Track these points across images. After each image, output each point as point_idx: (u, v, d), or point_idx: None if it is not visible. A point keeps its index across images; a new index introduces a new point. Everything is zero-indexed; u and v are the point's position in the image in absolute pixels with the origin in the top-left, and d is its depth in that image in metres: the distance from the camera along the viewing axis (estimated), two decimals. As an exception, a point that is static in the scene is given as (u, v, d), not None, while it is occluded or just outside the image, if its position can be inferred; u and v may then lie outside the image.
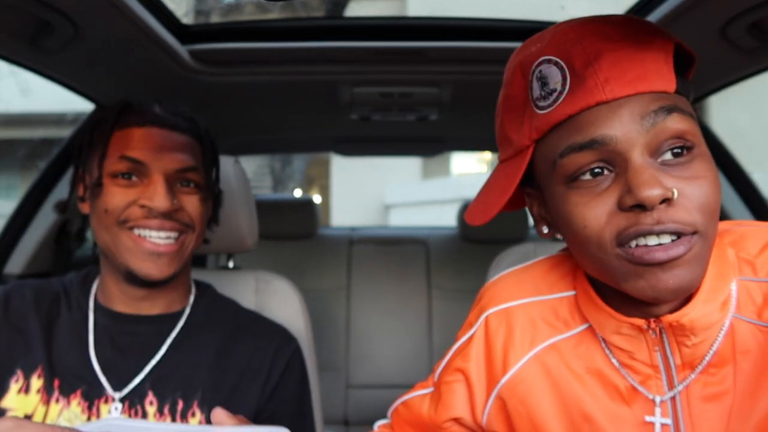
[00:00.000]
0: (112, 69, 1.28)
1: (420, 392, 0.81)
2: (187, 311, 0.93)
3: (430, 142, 2.30)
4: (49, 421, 0.80)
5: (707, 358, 0.60)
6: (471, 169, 13.02)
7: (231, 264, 1.23)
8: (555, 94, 0.56)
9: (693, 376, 0.61)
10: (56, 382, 0.83)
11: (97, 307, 0.90)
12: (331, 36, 1.37)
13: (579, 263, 0.64)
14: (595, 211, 0.55)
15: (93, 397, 0.83)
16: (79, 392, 0.83)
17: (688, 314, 0.58)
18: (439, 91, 1.60)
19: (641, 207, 0.53)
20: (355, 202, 12.23)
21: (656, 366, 0.62)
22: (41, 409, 0.81)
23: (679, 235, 0.53)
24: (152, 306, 0.90)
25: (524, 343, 0.70)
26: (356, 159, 2.89)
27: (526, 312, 0.71)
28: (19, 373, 0.83)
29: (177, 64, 1.34)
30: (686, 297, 0.59)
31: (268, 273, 1.16)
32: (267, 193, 10.93)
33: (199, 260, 2.20)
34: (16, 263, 1.48)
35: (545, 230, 0.66)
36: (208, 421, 0.83)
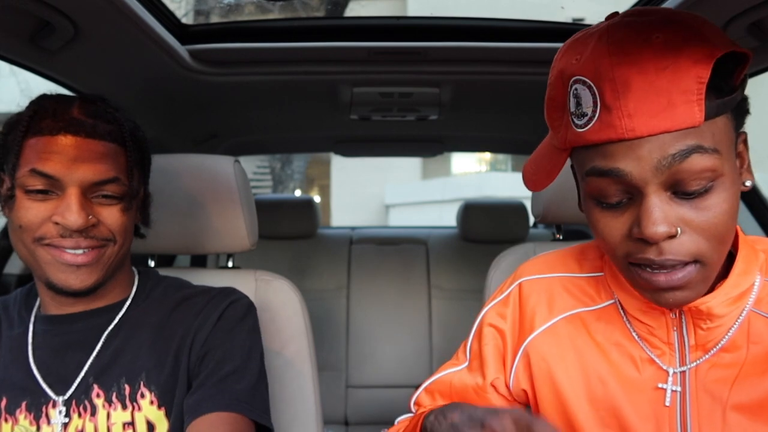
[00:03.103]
0: (112, 69, 1.28)
1: (451, 370, 0.85)
2: (129, 300, 0.91)
3: (430, 142, 2.30)
4: None
5: (721, 344, 0.66)
6: (471, 169, 13.01)
7: (231, 264, 1.23)
8: (586, 119, 0.59)
9: (705, 356, 0.67)
10: (3, 403, 0.83)
11: (37, 317, 0.89)
12: (331, 36, 1.37)
13: None
14: (612, 231, 0.62)
15: (39, 405, 0.83)
16: (23, 405, 0.83)
17: (707, 303, 0.64)
18: (438, 91, 1.60)
19: (646, 241, 0.58)
20: (355, 202, 12.23)
21: (671, 344, 0.68)
22: None
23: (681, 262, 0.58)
24: (89, 304, 0.88)
25: (552, 308, 0.77)
26: (356, 159, 2.91)
27: (556, 283, 0.79)
28: None
29: (177, 64, 1.34)
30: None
31: (268, 273, 1.15)
32: (267, 193, 10.93)
33: (199, 260, 2.20)
34: (17, 263, 1.48)
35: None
36: (160, 399, 0.84)
